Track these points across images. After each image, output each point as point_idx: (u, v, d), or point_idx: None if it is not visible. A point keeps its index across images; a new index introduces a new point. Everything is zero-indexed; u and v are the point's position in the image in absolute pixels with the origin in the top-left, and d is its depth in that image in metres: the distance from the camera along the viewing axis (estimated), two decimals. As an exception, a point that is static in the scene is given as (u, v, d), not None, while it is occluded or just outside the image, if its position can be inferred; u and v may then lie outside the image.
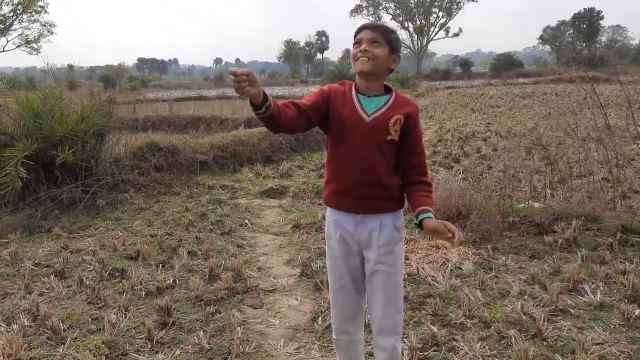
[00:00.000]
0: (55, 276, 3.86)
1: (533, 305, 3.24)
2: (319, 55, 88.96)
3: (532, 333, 2.87)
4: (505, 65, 50.68)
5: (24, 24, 39.25)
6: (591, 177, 5.98)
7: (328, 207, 2.12)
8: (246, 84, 1.63)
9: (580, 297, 3.35)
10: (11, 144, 5.44)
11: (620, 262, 3.85)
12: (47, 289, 3.65)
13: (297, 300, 3.51)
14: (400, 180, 2.05)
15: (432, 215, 1.94)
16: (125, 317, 3.21)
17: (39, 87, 10.06)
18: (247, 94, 1.65)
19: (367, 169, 1.96)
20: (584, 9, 63.23)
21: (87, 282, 3.71)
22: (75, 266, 4.10)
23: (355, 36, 1.99)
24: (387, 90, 2.04)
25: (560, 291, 3.37)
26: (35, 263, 4.15)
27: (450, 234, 1.85)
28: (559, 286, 3.42)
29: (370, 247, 2.03)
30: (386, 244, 2.00)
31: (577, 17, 63.67)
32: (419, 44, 64.99)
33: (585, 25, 62.84)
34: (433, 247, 4.33)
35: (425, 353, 2.75)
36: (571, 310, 3.17)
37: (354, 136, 1.96)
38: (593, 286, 3.50)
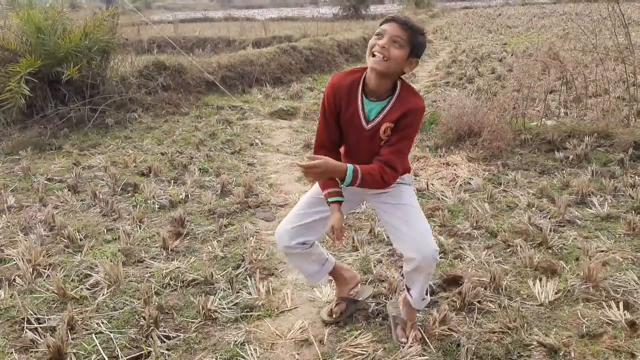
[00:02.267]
0: (69, 190, 3.92)
1: (540, 217, 3.27)
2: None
3: (538, 242, 2.91)
4: (525, -17, 48.14)
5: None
6: (607, 96, 5.83)
7: None
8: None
9: (588, 209, 3.37)
10: (15, 60, 5.35)
11: (630, 176, 3.83)
12: (61, 202, 3.73)
13: (307, 213, 3.55)
14: (406, 167, 2.02)
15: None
16: (140, 228, 3.29)
17: (39, 6, 9.78)
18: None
19: (371, 161, 1.92)
20: None
21: (101, 196, 3.77)
22: (87, 181, 4.16)
23: (381, 24, 1.80)
24: (394, 88, 1.88)
25: (568, 204, 3.39)
26: (48, 178, 4.22)
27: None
28: (567, 199, 3.44)
29: (376, 198, 2.05)
30: (393, 192, 2.02)
31: None
32: (434, -39, 61.69)
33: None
34: (443, 165, 4.33)
35: (432, 260, 2.80)
36: (578, 221, 3.20)
37: (354, 139, 1.95)
38: (601, 199, 3.51)
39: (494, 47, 12.53)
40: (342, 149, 2.04)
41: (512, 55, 10.78)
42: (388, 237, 2.87)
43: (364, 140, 1.91)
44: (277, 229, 2.11)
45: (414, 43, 1.77)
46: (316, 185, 2.06)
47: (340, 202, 1.92)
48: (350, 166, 1.81)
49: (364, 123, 1.89)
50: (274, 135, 5.82)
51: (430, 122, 5.45)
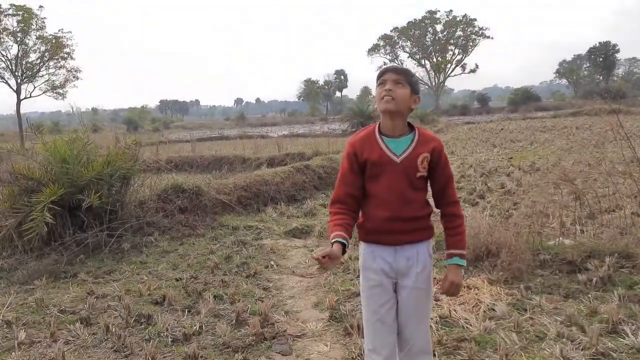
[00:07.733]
0: (81, 323, 3.83)
1: (572, 349, 3.09)
2: (337, 94, 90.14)
3: (575, 380, 2.73)
4: (523, 100, 50.67)
5: (51, 70, 40.19)
6: (621, 211, 5.83)
7: (363, 243, 2.21)
8: (329, 262, 1.93)
9: (621, 340, 3.20)
10: (38, 189, 5.54)
11: (661, 301, 3.68)
12: (72, 337, 3.62)
13: (326, 346, 3.42)
14: (430, 209, 2.17)
15: (459, 261, 2.13)
16: (152, 366, 3.16)
17: (64, 131, 10.34)
18: (333, 265, 2.00)
19: (402, 205, 2.07)
20: (600, 42, 63.29)
21: (113, 329, 3.67)
22: (101, 312, 4.08)
23: (378, 78, 2.12)
24: (411, 128, 2.13)
25: (600, 333, 3.23)
26: (61, 310, 4.14)
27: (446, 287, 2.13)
28: (598, 328, 3.28)
29: (407, 274, 2.10)
30: (423, 270, 2.11)
31: (593, 51, 63.65)
32: (436, 81, 65.54)
33: (601, 59, 62.71)
34: (464, 288, 4.22)
35: (463, 402, 2.63)
36: (613, 353, 3.03)
37: (388, 177, 2.06)
38: (633, 327, 3.34)
39: (500, 161, 12.82)
40: (368, 203, 2.15)
41: (519, 169, 10.99)
42: None
43: (398, 175, 2.05)
44: None
45: (411, 82, 2.09)
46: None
47: (342, 244, 2.03)
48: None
49: (394, 158, 2.06)
50: (289, 256, 5.78)
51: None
